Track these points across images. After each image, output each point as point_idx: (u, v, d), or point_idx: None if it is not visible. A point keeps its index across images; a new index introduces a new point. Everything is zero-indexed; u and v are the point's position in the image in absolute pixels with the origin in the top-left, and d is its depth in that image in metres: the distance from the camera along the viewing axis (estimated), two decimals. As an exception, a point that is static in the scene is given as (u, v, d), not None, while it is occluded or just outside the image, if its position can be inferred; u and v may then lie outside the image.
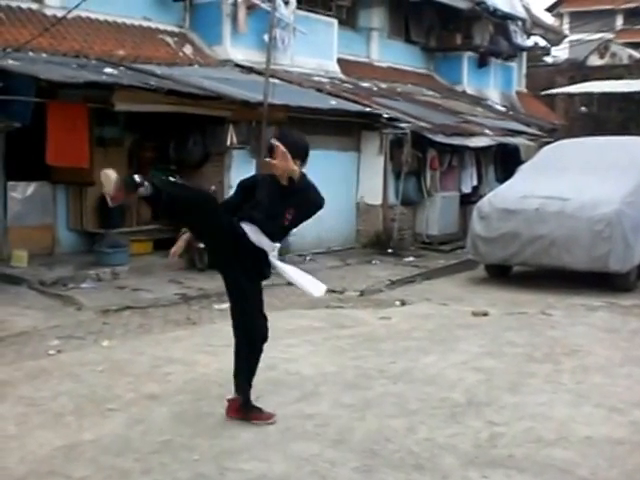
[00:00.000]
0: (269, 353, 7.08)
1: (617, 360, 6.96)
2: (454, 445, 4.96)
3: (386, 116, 13.53)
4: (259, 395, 5.90)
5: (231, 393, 5.82)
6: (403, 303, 9.76)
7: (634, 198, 10.49)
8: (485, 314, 8.77)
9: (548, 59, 25.84)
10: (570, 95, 21.51)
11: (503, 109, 19.70)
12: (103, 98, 10.17)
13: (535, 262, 10.73)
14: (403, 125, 13.58)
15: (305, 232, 12.15)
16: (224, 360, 6.85)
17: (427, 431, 5.21)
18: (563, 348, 7.33)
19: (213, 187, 11.33)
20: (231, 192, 11.65)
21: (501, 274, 11.40)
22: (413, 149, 13.69)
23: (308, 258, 12.55)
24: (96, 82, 9.76)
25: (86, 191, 11.33)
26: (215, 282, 10.59)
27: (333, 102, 13.03)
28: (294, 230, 5.64)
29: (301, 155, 5.20)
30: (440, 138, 13.96)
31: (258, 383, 6.21)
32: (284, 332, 7.98)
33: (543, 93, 15.41)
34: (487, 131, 15.66)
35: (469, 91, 19.93)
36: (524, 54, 22.64)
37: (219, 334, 7.93)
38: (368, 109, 13.53)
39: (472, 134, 15.12)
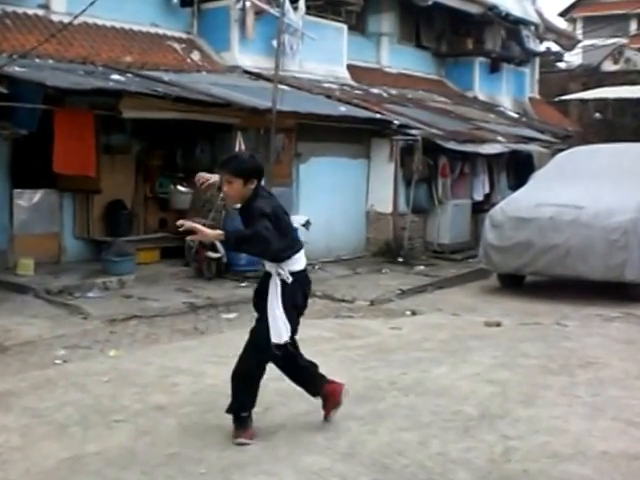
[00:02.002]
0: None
1: (634, 372, 6.80)
2: (467, 460, 4.83)
3: (397, 123, 13.39)
4: (268, 407, 5.82)
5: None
6: (414, 313, 9.63)
7: None
8: (498, 324, 8.63)
9: (561, 65, 25.62)
10: (584, 101, 21.34)
11: (516, 115, 19.52)
12: (110, 105, 10.09)
13: (549, 272, 10.56)
14: (414, 132, 13.45)
15: (314, 241, 12.05)
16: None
17: (440, 445, 5.08)
18: (579, 360, 7.18)
19: (222, 195, 11.18)
20: (239, 200, 11.69)
21: (514, 284, 11.23)
22: (424, 156, 13.55)
23: (317, 267, 12.41)
24: (103, 89, 9.68)
25: (93, 199, 11.28)
26: (223, 291, 10.57)
27: (343, 109, 12.93)
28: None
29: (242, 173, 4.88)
30: (452, 145, 13.82)
31: (267, 395, 6.13)
32: (293, 342, 7.88)
33: (557, 99, 15.24)
34: (499, 138, 15.50)
35: (481, 97, 19.76)
36: (537, 59, 22.41)
37: (227, 344, 7.81)
38: (378, 116, 13.41)
39: (484, 141, 14.95)
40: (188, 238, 5.37)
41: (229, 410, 5.24)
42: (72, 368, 6.89)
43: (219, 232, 4.87)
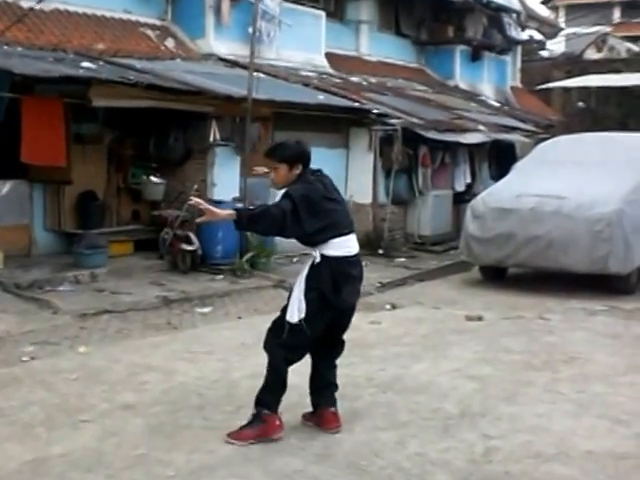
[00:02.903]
0: (254, 360, 6.77)
1: (619, 368, 6.64)
2: (447, 460, 4.65)
3: (376, 112, 13.14)
4: (240, 405, 5.61)
5: (211, 404, 5.65)
6: (394, 307, 9.41)
7: (635, 197, 10.10)
8: (480, 318, 8.43)
9: (543, 53, 25.38)
10: (567, 90, 21.16)
11: (497, 104, 19.28)
12: (80, 93, 9.78)
13: (531, 264, 10.36)
14: (393, 121, 13.20)
15: (292, 232, 11.81)
16: (204, 368, 6.57)
17: (418, 445, 4.90)
18: (562, 355, 7.01)
19: (195, 186, 10.95)
20: (215, 190, 11.45)
21: (496, 276, 11.02)
22: (404, 146, 13.29)
23: (295, 260, 12.15)
24: (72, 76, 9.37)
25: (64, 190, 10.96)
26: (198, 284, 10.30)
27: (321, 97, 12.66)
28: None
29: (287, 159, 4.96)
30: (432, 134, 13.57)
31: (240, 393, 5.93)
32: (269, 337, 7.65)
33: (539, 87, 15.01)
34: (481, 127, 15.27)
35: (462, 86, 19.50)
36: (519, 48, 22.15)
37: (201, 340, 7.62)
38: (357, 104, 13.15)
39: (465, 130, 14.72)
40: (198, 220, 5.17)
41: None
42: (40, 365, 6.65)
43: (230, 211, 4.89)
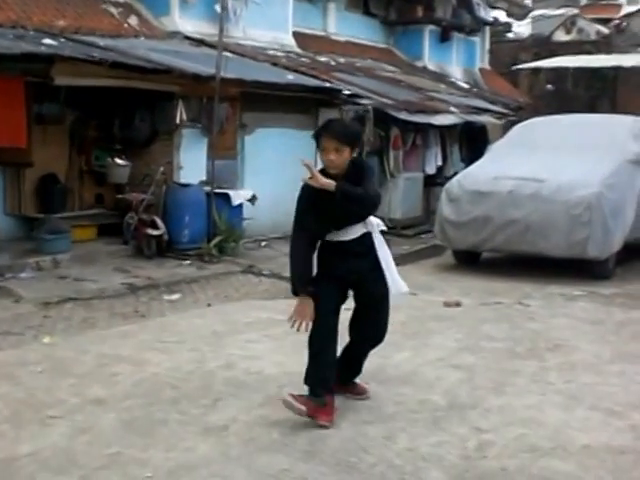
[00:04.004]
0: (227, 349, 6.55)
1: (606, 356, 6.46)
2: (440, 456, 4.42)
3: (346, 92, 12.83)
4: (218, 398, 5.35)
5: (186, 397, 5.37)
6: (369, 292, 9.15)
7: (614, 180, 9.94)
8: (458, 304, 8.21)
9: (510, 35, 25.12)
10: (535, 72, 21.01)
11: (466, 86, 19.06)
12: (41, 71, 9.37)
13: (508, 248, 10.17)
14: (365, 102, 12.91)
15: (260, 216, 11.52)
16: (176, 358, 6.27)
17: (408, 440, 4.66)
18: (546, 343, 6.82)
19: (162, 168, 10.60)
20: (181, 173, 11.11)
21: (470, 261, 10.82)
22: (375, 127, 13.03)
23: (263, 244, 11.90)
24: (34, 53, 8.95)
25: (24, 173, 10.52)
26: (164, 271, 9.97)
27: (290, 77, 12.34)
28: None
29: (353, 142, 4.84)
30: (404, 115, 13.30)
31: (216, 384, 5.66)
32: (243, 326, 7.42)
33: (515, 68, 14.78)
34: (452, 109, 15.05)
35: (430, 67, 19.22)
36: (487, 29, 21.88)
37: (171, 329, 7.32)
38: (327, 84, 12.85)
39: (437, 112, 14.47)
40: (305, 180, 4.81)
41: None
42: (2, 357, 6.31)
43: (332, 182, 4.65)
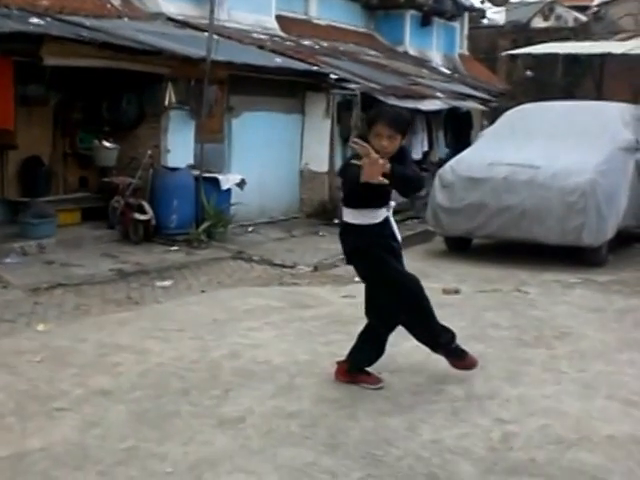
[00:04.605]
0: (230, 338, 6.41)
1: (613, 344, 6.42)
2: (466, 448, 4.33)
3: (334, 76, 12.65)
4: (228, 389, 5.21)
5: (196, 388, 5.22)
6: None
7: (607, 167, 9.90)
8: (457, 292, 8.13)
9: (486, 21, 24.97)
10: (513, 58, 20.99)
11: (448, 72, 18.96)
12: (29, 51, 9.06)
13: (503, 235, 10.09)
14: (352, 86, 12.76)
15: (247, 201, 11.35)
16: (179, 347, 6.12)
17: (431, 431, 4.56)
18: (552, 330, 6.76)
19: (149, 151, 10.39)
20: (170, 156, 10.92)
21: (461, 247, 10.73)
22: (362, 112, 12.88)
23: (250, 229, 11.74)
24: (23, 32, 8.67)
25: (7, 155, 10.23)
26: (153, 256, 9.78)
27: (278, 60, 12.16)
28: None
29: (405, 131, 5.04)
30: (392, 100, 13.13)
31: (224, 374, 5.52)
32: (242, 313, 7.27)
33: (510, 52, 14.67)
34: (438, 94, 14.94)
35: (411, 52, 19.06)
36: (466, 14, 21.78)
37: (168, 316, 7.16)
38: (315, 68, 12.67)
39: (423, 97, 14.35)
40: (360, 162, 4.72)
41: None
42: (-3, 346, 6.10)
43: (387, 164, 4.69)
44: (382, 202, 5.09)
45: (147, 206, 10.15)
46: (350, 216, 5.12)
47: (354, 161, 4.80)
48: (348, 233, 5.19)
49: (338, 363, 5.37)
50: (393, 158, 4.85)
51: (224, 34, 12.52)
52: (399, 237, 5.29)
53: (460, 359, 5.39)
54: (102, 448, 4.26)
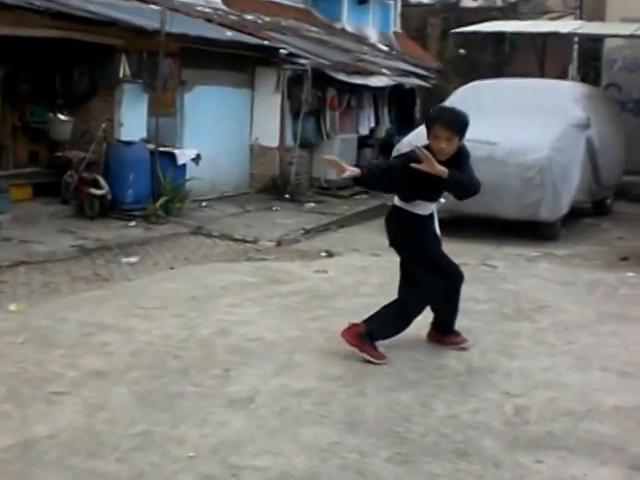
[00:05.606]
0: (214, 315, 6.32)
1: (592, 316, 6.59)
2: (484, 423, 4.37)
3: (284, 51, 12.50)
4: (227, 367, 5.13)
5: (194, 368, 5.12)
6: (330, 254, 9.03)
7: (562, 144, 10.09)
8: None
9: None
10: (444, 37, 21.13)
11: (386, 49, 18.95)
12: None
13: (462, 210, 10.04)
14: (303, 61, 12.64)
15: (200, 176, 11.18)
16: (165, 326, 6.00)
17: (445, 407, 4.59)
18: (530, 303, 6.89)
19: (103, 125, 10.10)
20: (123, 130, 10.62)
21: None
22: (313, 88, 12.79)
23: (204, 204, 11.56)
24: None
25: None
26: (112, 232, 9.55)
27: (229, 34, 11.96)
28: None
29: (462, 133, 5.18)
30: (342, 76, 13.11)
31: (219, 353, 5.43)
32: (219, 289, 7.18)
33: (458, 31, 14.70)
34: (384, 70, 14.93)
35: (348, 29, 18.93)
36: (399, -8, 21.78)
37: (144, 293, 7.01)
38: (267, 42, 12.50)
39: (371, 73, 14.33)
40: (417, 166, 4.97)
41: None
42: (-29, 327, 5.85)
43: (445, 169, 4.94)
44: (433, 197, 5.30)
45: (102, 181, 9.88)
46: (400, 202, 5.29)
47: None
48: (399, 215, 5.32)
49: (352, 324, 5.33)
50: (451, 158, 5.05)
51: (171, 7, 12.22)
52: (439, 233, 5.56)
53: (456, 336, 5.62)
54: (114, 433, 4.12)
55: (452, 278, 5.46)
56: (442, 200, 5.43)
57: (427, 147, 5.06)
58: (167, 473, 3.73)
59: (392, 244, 5.51)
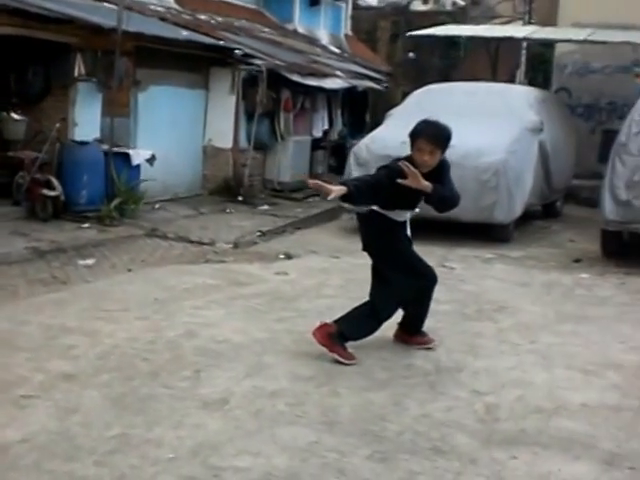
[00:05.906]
0: (179, 317, 6.29)
1: (551, 316, 6.74)
2: (457, 421, 4.44)
3: (239, 52, 12.46)
4: (197, 369, 5.10)
5: (164, 370, 5.09)
6: (289, 256, 9.03)
7: (516, 147, 10.27)
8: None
9: (361, 2, 25.01)
10: (393, 40, 21.33)
11: (338, 51, 19.02)
12: None
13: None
14: (258, 62, 12.62)
15: (153, 177, 11.09)
16: (130, 328, 5.94)
17: (417, 406, 4.65)
18: (490, 304, 7.02)
19: (58, 125, 9.95)
20: (77, 130, 10.46)
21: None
22: (267, 89, 12.77)
23: (157, 206, 11.47)
24: None
25: None
26: (66, 234, 9.42)
27: (185, 33, 11.88)
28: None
29: (444, 147, 5.29)
30: (297, 78, 13.12)
31: (187, 355, 5.41)
32: (181, 292, 7.14)
33: (413, 34, 14.77)
34: (339, 73, 14.99)
35: (300, 30, 18.91)
36: (351, -5, 21.85)
37: (106, 296, 6.93)
38: (222, 43, 12.45)
39: (325, 75, 14.38)
40: (403, 182, 5.10)
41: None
42: None
43: (429, 184, 5.10)
44: (413, 207, 5.49)
45: (55, 182, 9.72)
46: (378, 208, 5.39)
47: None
48: (375, 218, 5.42)
49: (323, 323, 5.37)
50: (433, 170, 5.20)
51: (126, 5, 12.09)
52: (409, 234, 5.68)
53: (423, 336, 5.72)
54: (89, 436, 4.06)
55: (426, 279, 5.56)
56: (417, 210, 5.58)
57: (410, 159, 5.16)
58: (148, 475, 3.70)
59: (366, 247, 5.57)
